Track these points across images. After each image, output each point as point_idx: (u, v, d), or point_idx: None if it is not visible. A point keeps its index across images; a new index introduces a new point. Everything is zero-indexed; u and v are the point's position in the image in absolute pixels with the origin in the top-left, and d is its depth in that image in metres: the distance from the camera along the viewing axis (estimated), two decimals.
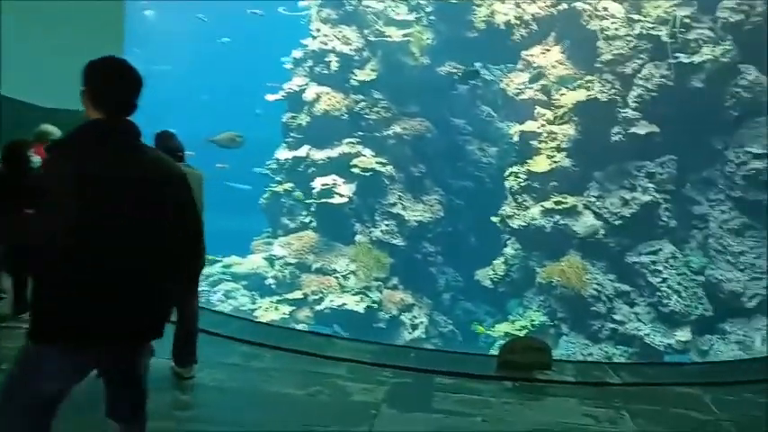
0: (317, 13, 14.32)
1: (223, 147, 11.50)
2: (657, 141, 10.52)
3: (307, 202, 13.63)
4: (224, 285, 13.04)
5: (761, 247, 9.79)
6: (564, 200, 11.03)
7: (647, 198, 10.34)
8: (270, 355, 4.84)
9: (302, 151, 13.90)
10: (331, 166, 13.52)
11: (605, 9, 11.59)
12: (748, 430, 3.99)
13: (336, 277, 12.60)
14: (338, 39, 13.84)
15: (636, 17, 10.91)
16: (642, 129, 10.41)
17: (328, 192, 13.20)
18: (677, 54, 10.27)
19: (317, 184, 13.30)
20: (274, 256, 13.21)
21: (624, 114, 10.58)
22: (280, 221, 14.12)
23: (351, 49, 13.81)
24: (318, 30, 14.14)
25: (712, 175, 10.44)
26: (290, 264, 12.89)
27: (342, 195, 13.16)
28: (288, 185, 14.10)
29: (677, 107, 10.37)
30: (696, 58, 10.13)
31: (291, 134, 14.29)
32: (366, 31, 13.95)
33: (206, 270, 13.25)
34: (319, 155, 13.76)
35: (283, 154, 14.31)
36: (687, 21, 10.36)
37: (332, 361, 4.80)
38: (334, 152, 13.58)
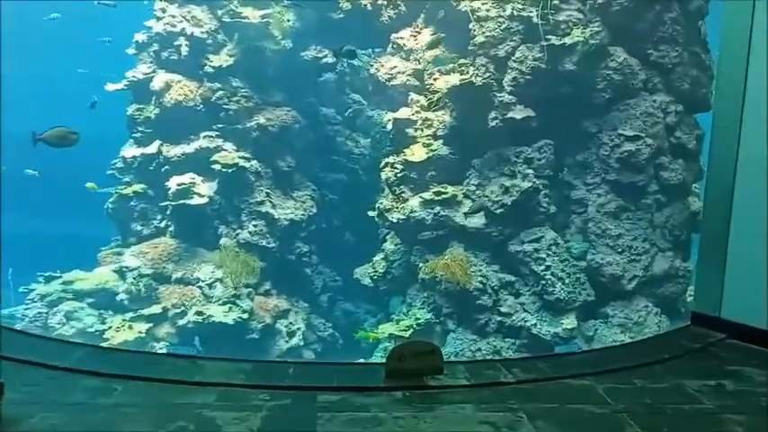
0: None
1: (53, 145, 10.47)
2: (534, 126, 10.93)
3: (162, 204, 12.95)
4: (65, 305, 12.01)
5: (637, 228, 10.49)
6: (443, 190, 11.21)
7: (526, 184, 10.73)
8: (121, 388, 4.38)
9: (152, 147, 13.18)
10: (187, 163, 12.93)
11: None
12: (642, 419, 4.13)
13: (200, 287, 12.10)
14: (187, 20, 13.19)
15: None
16: (518, 113, 10.78)
17: (186, 192, 12.61)
18: (549, 36, 10.70)
19: (173, 183, 12.67)
20: (126, 267, 12.41)
21: (500, 98, 10.90)
22: (131, 228, 13.33)
23: (203, 32, 13.20)
24: (163, 10, 13.40)
25: (588, 159, 11.00)
26: (146, 275, 12.19)
27: (202, 195, 12.63)
28: (138, 187, 13.34)
29: (551, 90, 10.84)
30: (567, 40, 10.61)
31: (139, 129, 13.52)
32: (220, 12, 13.41)
33: (42, 289, 12.26)
34: (173, 151, 13.13)
35: (130, 151, 13.49)
36: (556, 2, 10.81)
37: (198, 387, 4.44)
38: (190, 147, 12.99)
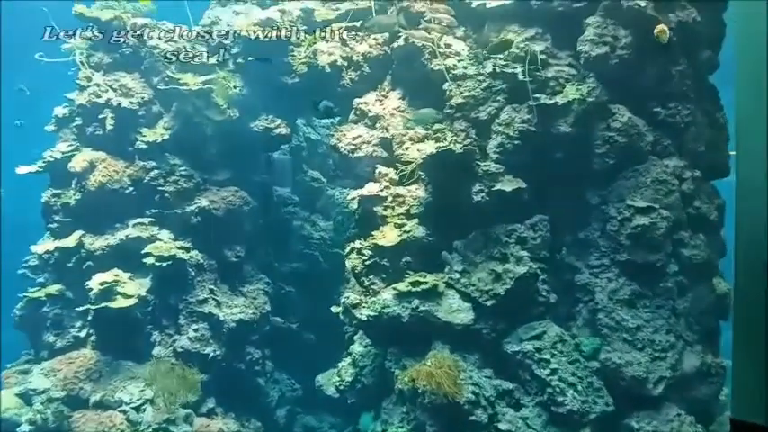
0: (86, 59, 12.95)
1: None
2: (526, 199, 10.13)
3: (80, 308, 11.82)
4: None
5: (658, 318, 9.53)
6: (422, 279, 10.25)
7: (521, 269, 9.75)
8: None
9: (71, 240, 12.14)
10: (113, 258, 11.94)
11: (448, 46, 11.45)
12: None
13: (124, 411, 10.84)
14: (115, 89, 12.50)
15: (486, 53, 10.81)
16: (507, 185, 9.94)
17: (110, 292, 11.52)
18: (537, 95, 10.15)
19: (95, 283, 11.55)
20: (33, 390, 11.09)
21: (485, 168, 10.10)
22: (43, 339, 12.17)
23: (133, 102, 12.47)
24: (88, 79, 12.73)
25: (591, 236, 10.15)
26: (56, 399, 10.87)
27: (130, 296, 11.54)
28: (53, 288, 12.27)
29: (545, 156, 10.10)
30: (559, 99, 9.97)
31: (55, 218, 12.53)
32: (154, 79, 12.80)
33: None
34: (97, 243, 12.14)
35: (45, 245, 12.44)
36: (543, 57, 10.31)
37: None
38: (115, 238, 12.03)
